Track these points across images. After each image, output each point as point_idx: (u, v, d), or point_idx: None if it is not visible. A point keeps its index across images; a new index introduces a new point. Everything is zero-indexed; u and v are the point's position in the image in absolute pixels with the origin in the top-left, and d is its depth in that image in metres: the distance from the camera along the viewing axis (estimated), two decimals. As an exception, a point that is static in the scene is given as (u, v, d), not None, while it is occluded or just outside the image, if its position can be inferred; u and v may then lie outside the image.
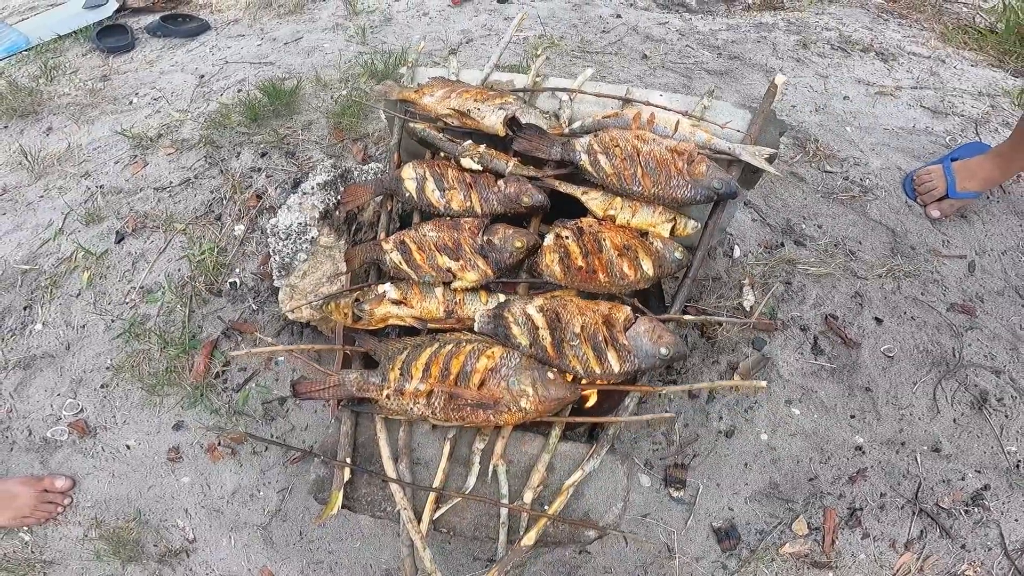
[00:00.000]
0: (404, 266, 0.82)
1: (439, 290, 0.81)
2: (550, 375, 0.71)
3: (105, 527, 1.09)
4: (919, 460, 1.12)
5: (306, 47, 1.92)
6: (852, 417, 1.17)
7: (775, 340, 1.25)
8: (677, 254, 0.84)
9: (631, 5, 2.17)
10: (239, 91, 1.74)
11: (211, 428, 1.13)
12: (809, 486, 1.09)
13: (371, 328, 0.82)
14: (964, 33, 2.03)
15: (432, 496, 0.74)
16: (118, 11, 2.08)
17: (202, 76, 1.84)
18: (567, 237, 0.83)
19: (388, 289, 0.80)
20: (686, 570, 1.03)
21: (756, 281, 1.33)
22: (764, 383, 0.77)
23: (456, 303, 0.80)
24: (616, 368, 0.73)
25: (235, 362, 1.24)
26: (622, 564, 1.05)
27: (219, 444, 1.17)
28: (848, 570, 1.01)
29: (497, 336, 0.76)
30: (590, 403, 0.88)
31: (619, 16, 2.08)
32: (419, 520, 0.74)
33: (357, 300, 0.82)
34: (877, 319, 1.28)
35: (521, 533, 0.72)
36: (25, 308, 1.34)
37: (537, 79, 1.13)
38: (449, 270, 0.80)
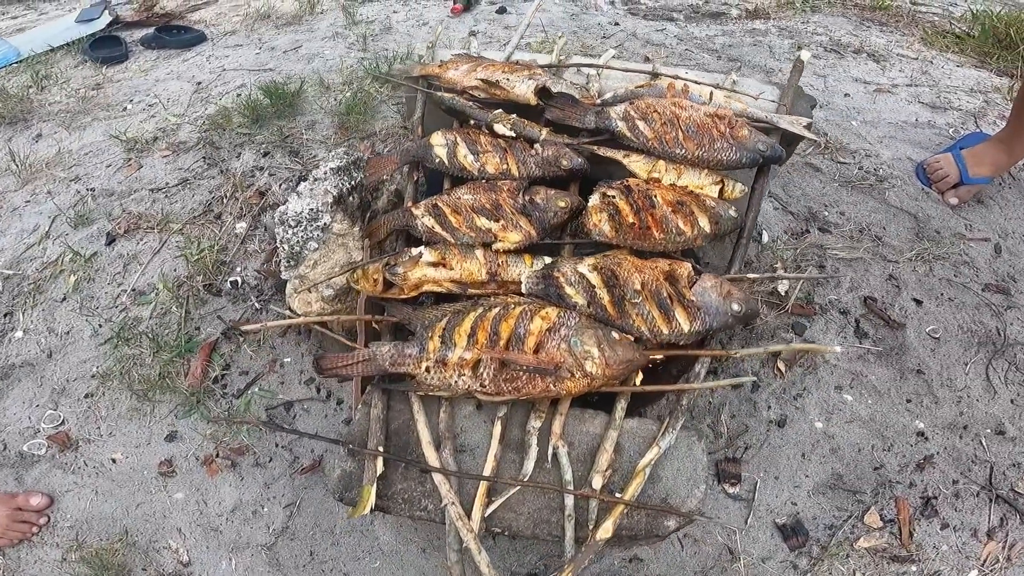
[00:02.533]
0: (439, 229, 0.74)
1: (480, 251, 0.73)
2: (615, 335, 0.63)
3: (87, 549, 0.95)
4: (985, 444, 1.04)
5: (306, 54, 1.90)
6: (908, 401, 1.09)
7: (815, 324, 1.19)
8: (731, 212, 0.78)
9: (627, 15, 2.21)
10: (239, 95, 1.69)
11: (227, 421, 0.98)
12: (875, 475, 1.00)
13: (403, 297, 0.73)
14: (943, 37, 2.10)
15: (483, 487, 0.64)
16: (111, 24, 2.05)
17: (199, 83, 1.79)
18: (614, 196, 0.76)
19: (424, 250, 0.72)
20: (752, 572, 0.92)
21: (788, 265, 1.28)
22: (839, 348, 0.70)
23: (499, 265, 0.71)
24: (686, 327, 0.65)
25: (236, 364, 1.13)
26: (679, 571, 0.94)
27: (217, 456, 1.05)
28: (932, 563, 0.91)
29: (549, 297, 0.68)
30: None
31: (617, 24, 2.12)
32: (468, 517, 0.63)
33: (389, 264, 0.73)
34: (916, 300, 1.23)
35: (592, 526, 0.62)
36: (5, 315, 1.22)
37: (561, 57, 1.10)
38: (490, 231, 0.73)
